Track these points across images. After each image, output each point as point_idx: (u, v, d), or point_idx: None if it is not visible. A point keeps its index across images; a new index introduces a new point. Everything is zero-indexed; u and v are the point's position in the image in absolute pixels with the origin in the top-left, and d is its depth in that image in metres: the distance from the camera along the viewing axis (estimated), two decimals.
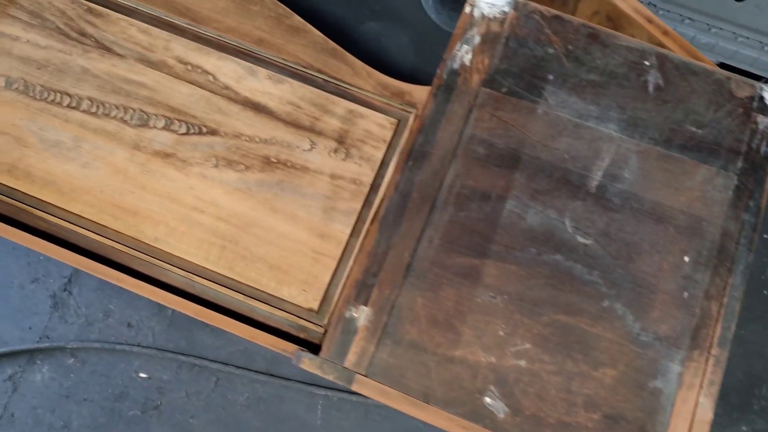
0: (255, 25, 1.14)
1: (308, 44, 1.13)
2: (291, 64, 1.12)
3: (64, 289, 1.42)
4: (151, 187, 1.06)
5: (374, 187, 1.06)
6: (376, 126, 1.09)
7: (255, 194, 1.06)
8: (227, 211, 1.05)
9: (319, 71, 1.12)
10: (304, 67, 1.12)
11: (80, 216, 1.04)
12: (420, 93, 1.10)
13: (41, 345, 1.37)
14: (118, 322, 1.40)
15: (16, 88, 1.11)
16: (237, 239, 1.04)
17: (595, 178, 0.80)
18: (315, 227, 1.04)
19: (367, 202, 1.05)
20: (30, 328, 1.40)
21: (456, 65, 0.82)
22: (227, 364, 1.36)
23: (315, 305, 1.01)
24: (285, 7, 1.14)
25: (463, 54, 0.83)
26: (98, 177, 1.06)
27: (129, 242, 1.03)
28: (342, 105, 1.10)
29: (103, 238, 1.03)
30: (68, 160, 1.07)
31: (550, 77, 0.82)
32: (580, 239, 0.78)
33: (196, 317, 0.94)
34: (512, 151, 0.80)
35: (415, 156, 0.79)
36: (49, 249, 0.96)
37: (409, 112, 1.09)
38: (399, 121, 1.09)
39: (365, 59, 1.15)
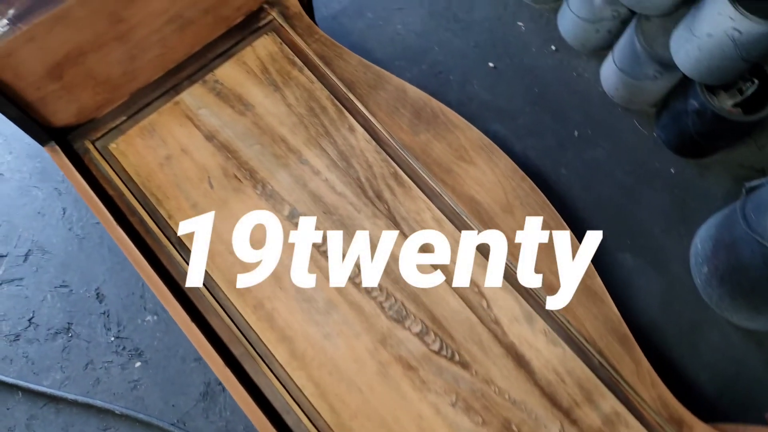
0: None
1: (600, 317, 1.01)
2: (573, 330, 1.00)
3: (219, 383, 1.36)
4: (381, 395, 0.96)
5: None
6: None
7: None
8: None
9: (600, 352, 0.99)
10: (586, 339, 1.00)
11: (301, 391, 0.97)
12: None
13: (175, 430, 1.32)
14: None
15: (296, 223, 1.07)
16: None
17: None
18: None
19: None
20: (173, 405, 1.35)
21: None
22: None
23: None
24: (593, 268, 1.03)
25: None
26: (334, 355, 0.98)
27: None
28: (610, 401, 0.97)
29: (314, 429, 0.94)
30: (313, 323, 1.00)
31: None
32: None
33: None
34: None
35: None
36: (257, 418, 0.89)
37: None
38: None
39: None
